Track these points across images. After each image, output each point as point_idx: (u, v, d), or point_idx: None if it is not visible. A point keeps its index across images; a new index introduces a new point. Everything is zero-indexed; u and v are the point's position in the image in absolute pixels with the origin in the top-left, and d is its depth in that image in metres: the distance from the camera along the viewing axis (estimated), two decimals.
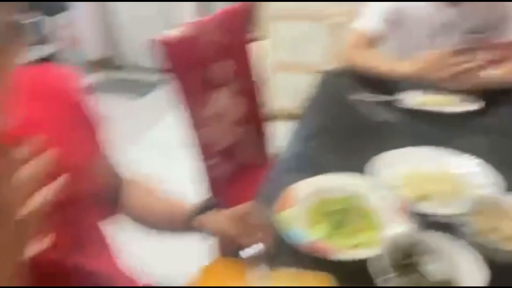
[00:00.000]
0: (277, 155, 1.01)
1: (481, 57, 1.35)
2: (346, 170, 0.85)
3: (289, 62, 2.59)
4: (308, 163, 0.96)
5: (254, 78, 1.38)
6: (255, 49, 1.31)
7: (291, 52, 2.57)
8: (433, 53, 1.16)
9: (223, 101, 1.23)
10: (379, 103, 1.18)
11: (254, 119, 1.42)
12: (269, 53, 2.60)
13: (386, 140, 1.02)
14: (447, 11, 1.30)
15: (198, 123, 1.11)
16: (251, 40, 1.31)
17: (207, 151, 1.16)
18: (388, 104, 1.17)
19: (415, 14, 1.34)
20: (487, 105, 1.10)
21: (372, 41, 1.38)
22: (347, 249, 0.69)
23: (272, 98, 2.75)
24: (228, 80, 1.23)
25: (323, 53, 2.45)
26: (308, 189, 0.82)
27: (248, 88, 1.33)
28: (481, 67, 1.11)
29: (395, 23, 1.36)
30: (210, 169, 1.16)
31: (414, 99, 1.16)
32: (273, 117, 2.76)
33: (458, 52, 1.13)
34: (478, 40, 1.34)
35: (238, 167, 1.33)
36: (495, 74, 1.15)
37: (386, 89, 1.23)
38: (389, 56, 1.41)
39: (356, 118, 1.17)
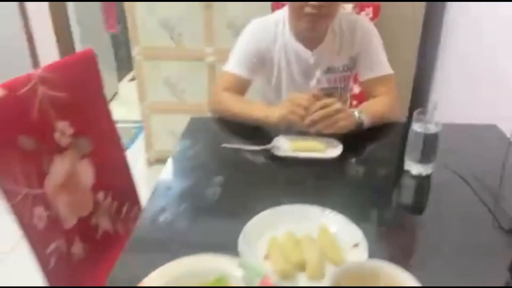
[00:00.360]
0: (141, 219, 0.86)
1: (342, 98, 1.38)
2: (210, 248, 0.73)
3: (168, 102, 2.45)
4: (167, 235, 0.83)
5: (111, 132, 1.21)
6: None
7: (169, 93, 2.44)
8: (294, 98, 1.12)
9: (69, 166, 1.04)
10: (251, 151, 1.11)
11: (117, 177, 1.24)
12: (144, 95, 2.43)
13: (258, 194, 0.95)
14: (307, 53, 1.30)
15: (31, 202, 0.90)
16: (101, 90, 1.14)
17: (50, 232, 0.95)
18: (261, 152, 1.10)
19: (276, 57, 1.32)
20: (348, 149, 1.09)
21: (240, 85, 1.32)
22: None
23: (150, 141, 2.57)
24: (74, 141, 1.04)
25: (203, 92, 2.37)
26: (161, 279, 0.68)
27: (103, 145, 1.15)
28: (340, 111, 1.09)
29: (258, 67, 1.33)
30: (54, 254, 0.94)
31: (285, 146, 1.11)
32: (152, 162, 2.57)
33: (318, 96, 1.11)
34: (340, 78, 1.36)
35: (99, 241, 1.13)
36: (355, 116, 1.14)
37: (258, 136, 1.16)
38: (257, 102, 1.36)
39: (229, 168, 1.07)
